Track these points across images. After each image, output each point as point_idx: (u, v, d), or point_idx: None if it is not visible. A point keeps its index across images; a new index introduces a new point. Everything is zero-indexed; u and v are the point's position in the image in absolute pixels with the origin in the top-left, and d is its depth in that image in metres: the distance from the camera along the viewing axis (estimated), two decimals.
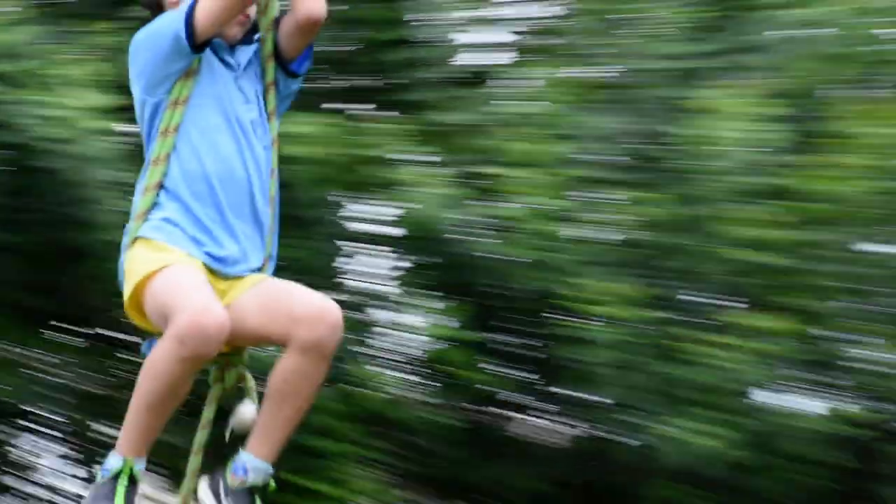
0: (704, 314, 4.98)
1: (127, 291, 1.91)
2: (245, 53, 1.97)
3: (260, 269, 1.97)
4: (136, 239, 1.89)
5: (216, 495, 1.90)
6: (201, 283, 1.79)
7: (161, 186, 1.88)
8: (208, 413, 2.01)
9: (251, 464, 1.88)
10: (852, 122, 4.90)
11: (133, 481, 1.86)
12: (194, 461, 2.03)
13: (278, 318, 1.84)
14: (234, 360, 1.95)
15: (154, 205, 1.89)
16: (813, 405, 5.27)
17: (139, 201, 1.92)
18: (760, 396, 5.17)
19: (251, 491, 1.87)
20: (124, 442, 1.87)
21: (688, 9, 5.19)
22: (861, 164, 4.76)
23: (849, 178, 4.82)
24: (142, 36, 1.92)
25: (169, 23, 1.86)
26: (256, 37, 1.98)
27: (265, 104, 1.98)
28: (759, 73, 5.09)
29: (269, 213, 1.96)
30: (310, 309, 1.84)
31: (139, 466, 1.87)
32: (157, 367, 1.78)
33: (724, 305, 5.09)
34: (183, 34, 1.81)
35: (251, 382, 2.00)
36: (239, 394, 2.00)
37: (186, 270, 1.80)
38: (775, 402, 5.23)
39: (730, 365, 4.77)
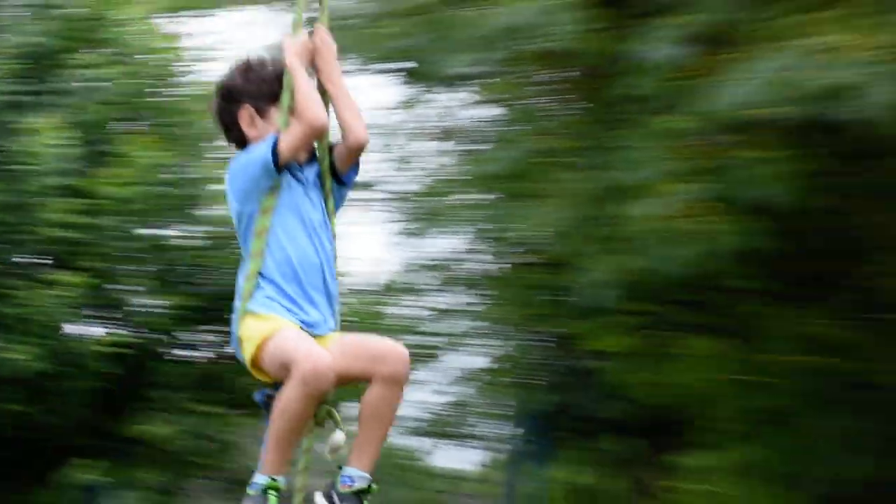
0: (28, 270, 7.30)
1: (249, 354, 2.37)
2: (311, 170, 2.48)
3: (333, 329, 2.49)
4: (245, 313, 2.40)
5: (330, 500, 2.37)
6: (306, 337, 2.32)
7: (259, 274, 2.40)
8: (307, 442, 2.48)
9: (355, 474, 2.37)
10: (127, 147, 7.64)
11: (278, 492, 2.35)
12: (300, 479, 2.53)
13: (362, 360, 2.37)
14: (323, 399, 2.36)
15: (256, 287, 2.40)
16: (100, 332, 7.97)
17: (244, 286, 2.42)
18: (68, 328, 7.68)
19: (357, 494, 2.37)
20: (267, 464, 2.34)
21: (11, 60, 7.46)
22: (132, 175, 7.52)
23: (125, 185, 7.55)
24: (238, 164, 2.45)
25: (259, 153, 2.36)
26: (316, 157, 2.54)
27: (326, 207, 2.51)
28: (68, 109, 7.52)
29: (335, 288, 2.50)
30: (385, 350, 2.40)
31: (281, 481, 2.35)
32: (288, 406, 2.25)
33: (44, 264, 7.49)
34: (270, 161, 2.33)
35: (338, 415, 2.42)
36: (329, 424, 2.46)
37: (291, 330, 2.33)
38: (80, 331, 7.82)
39: (45, 305, 7.10)
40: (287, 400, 2.25)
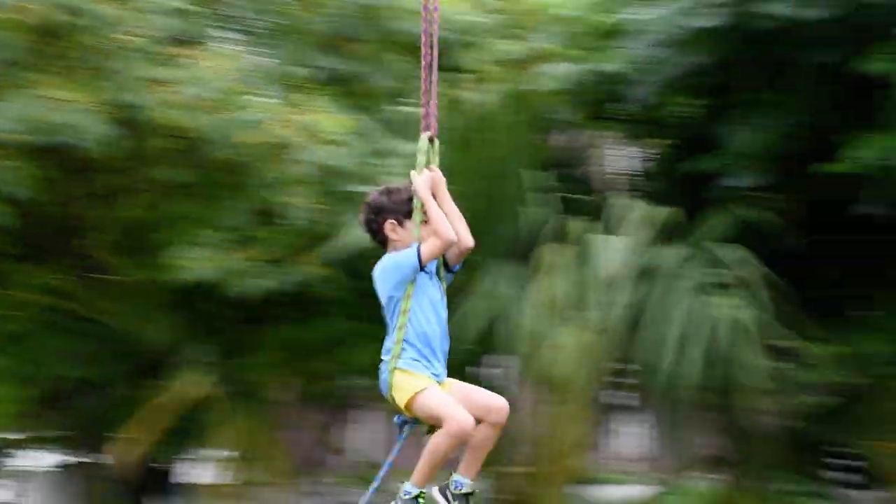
0: None
1: (402, 400, 3.22)
2: (433, 265, 3.35)
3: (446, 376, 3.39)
4: (394, 369, 3.24)
5: (445, 497, 3.29)
6: (449, 398, 3.23)
7: (404, 340, 3.24)
8: None
9: (464, 481, 3.31)
10: None
11: (424, 500, 3.30)
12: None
13: (477, 408, 3.24)
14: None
15: (402, 350, 3.24)
16: None
17: (393, 348, 3.25)
18: None
19: (465, 496, 3.31)
20: (418, 479, 3.27)
21: None
22: None
23: None
24: (391, 263, 3.29)
25: (409, 258, 3.23)
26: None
27: (441, 289, 3.39)
28: None
29: (447, 346, 3.38)
30: (492, 402, 3.34)
31: (426, 490, 3.31)
32: (439, 447, 3.18)
33: None
34: (417, 265, 3.23)
35: None
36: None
37: (436, 390, 3.24)
38: None
39: None
40: (440, 444, 3.18)
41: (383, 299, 3.35)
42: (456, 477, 3.32)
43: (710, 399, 7.39)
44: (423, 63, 3.46)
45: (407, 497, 3.26)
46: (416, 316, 3.26)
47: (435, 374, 3.28)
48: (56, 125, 6.53)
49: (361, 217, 3.46)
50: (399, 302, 3.27)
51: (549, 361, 6.94)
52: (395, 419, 3.40)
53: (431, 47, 3.45)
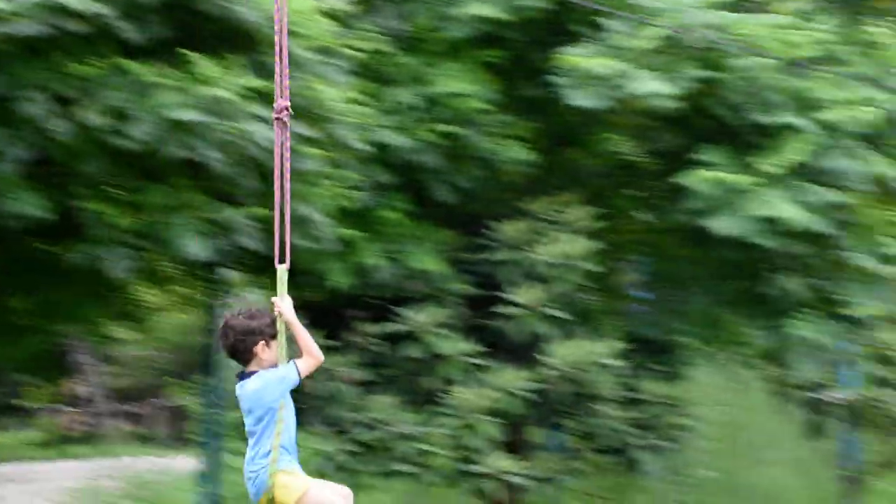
0: None
1: (293, 498, 3.51)
2: None
3: None
4: (276, 472, 3.56)
5: None
6: (324, 483, 3.82)
7: (280, 446, 3.54)
8: None
9: None
10: None
11: None
12: None
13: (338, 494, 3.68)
14: None
15: (279, 455, 3.55)
16: None
17: (272, 454, 3.56)
18: None
19: None
20: None
21: None
22: None
23: None
24: (273, 379, 3.58)
25: (291, 375, 3.60)
26: None
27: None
28: None
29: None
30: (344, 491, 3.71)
31: None
32: None
33: None
34: (298, 380, 3.60)
35: None
36: None
37: (317, 483, 3.73)
38: None
39: None
40: None
41: (261, 411, 3.68)
42: None
43: None
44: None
45: None
46: (288, 423, 3.67)
47: (299, 466, 3.77)
48: None
49: (226, 340, 3.72)
50: (275, 412, 3.65)
51: None
52: None
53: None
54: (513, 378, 6.36)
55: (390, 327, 6.41)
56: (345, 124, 5.93)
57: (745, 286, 7.34)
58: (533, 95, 6.84)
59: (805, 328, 6.84)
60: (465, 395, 6.23)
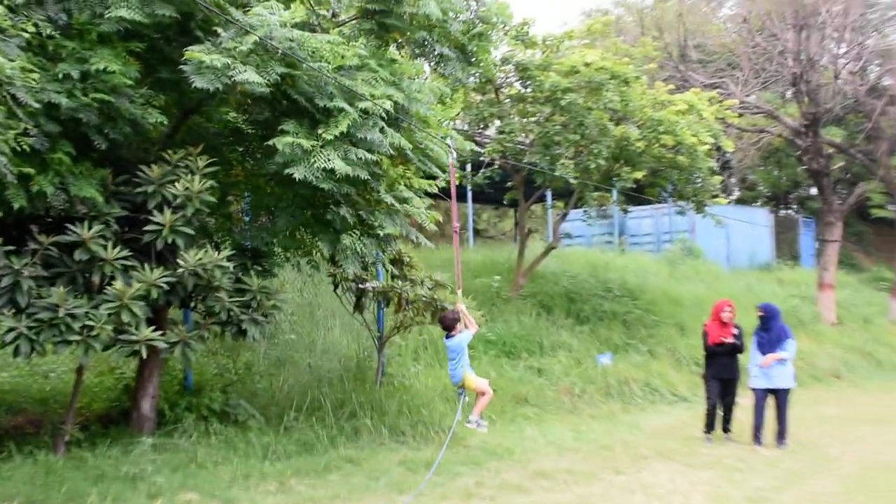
0: None
1: (470, 382, 8.92)
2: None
3: None
4: (466, 375, 8.89)
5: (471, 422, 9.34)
6: (480, 379, 9.29)
7: (466, 364, 8.94)
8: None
9: (473, 418, 9.31)
10: None
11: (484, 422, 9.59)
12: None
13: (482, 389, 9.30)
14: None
15: (466, 370, 8.91)
16: None
17: (462, 364, 8.89)
18: None
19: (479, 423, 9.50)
20: (478, 412, 9.36)
21: None
22: None
23: None
24: (465, 339, 8.93)
25: (468, 338, 8.92)
26: None
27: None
28: None
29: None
30: (484, 385, 9.48)
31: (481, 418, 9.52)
32: (486, 401, 9.31)
33: None
34: (470, 339, 9.04)
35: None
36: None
37: (482, 380, 9.22)
38: None
39: None
40: (486, 399, 9.09)
41: (459, 350, 8.84)
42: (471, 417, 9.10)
43: None
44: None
45: (475, 421, 8.98)
46: (466, 355, 8.85)
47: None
48: None
49: (444, 322, 9.10)
50: (463, 350, 8.83)
51: None
52: (459, 391, 9.01)
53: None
54: (156, 275, 7.63)
55: (64, 238, 7.40)
56: (18, 87, 6.64)
57: (315, 213, 8.81)
58: (168, 77, 7.92)
59: (352, 242, 8.57)
60: (121, 287, 7.46)
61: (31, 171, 7.07)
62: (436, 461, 8.26)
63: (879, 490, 8.67)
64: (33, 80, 6.88)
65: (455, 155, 9.20)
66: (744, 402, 11.56)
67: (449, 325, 8.88)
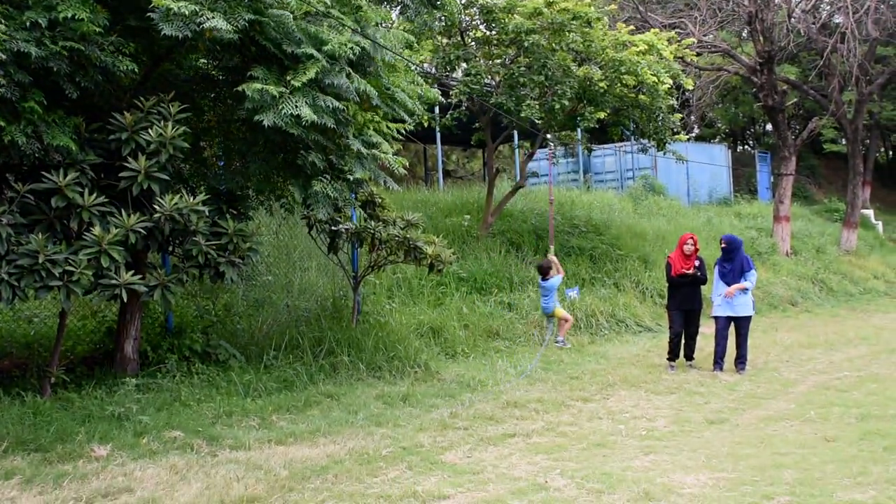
0: None
1: (557, 314, 13.23)
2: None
3: None
4: (556, 308, 13.10)
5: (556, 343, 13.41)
6: (565, 312, 13.58)
7: (556, 300, 13.60)
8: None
9: (559, 339, 13.41)
10: None
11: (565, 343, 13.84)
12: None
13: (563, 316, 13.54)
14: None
15: (556, 302, 13.21)
16: None
17: (553, 299, 13.08)
18: None
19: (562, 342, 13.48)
20: (563, 333, 13.48)
21: None
22: None
23: None
24: (557, 282, 12.95)
25: (557, 281, 12.86)
26: None
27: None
28: None
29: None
30: (564, 314, 14.04)
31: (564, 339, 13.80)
32: (566, 325, 13.30)
33: None
34: (560, 280, 12.98)
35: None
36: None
37: (562, 310, 13.73)
38: None
39: None
40: (568, 324, 12.92)
41: (552, 289, 12.58)
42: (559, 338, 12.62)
43: None
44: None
45: (561, 342, 12.42)
46: (555, 292, 12.30)
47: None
48: None
49: (542, 268, 12.70)
50: (554, 288, 12.48)
51: None
52: (548, 320, 12.84)
53: None
54: (133, 220, 7.63)
55: (41, 186, 7.36)
56: None
57: (286, 158, 8.80)
58: (137, 25, 7.69)
59: (323, 186, 8.50)
60: (99, 232, 7.41)
61: (1, 122, 6.99)
62: (535, 358, 11.64)
63: (828, 406, 9.03)
64: (0, 30, 6.74)
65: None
66: (704, 331, 11.86)
67: (545, 271, 12.73)
